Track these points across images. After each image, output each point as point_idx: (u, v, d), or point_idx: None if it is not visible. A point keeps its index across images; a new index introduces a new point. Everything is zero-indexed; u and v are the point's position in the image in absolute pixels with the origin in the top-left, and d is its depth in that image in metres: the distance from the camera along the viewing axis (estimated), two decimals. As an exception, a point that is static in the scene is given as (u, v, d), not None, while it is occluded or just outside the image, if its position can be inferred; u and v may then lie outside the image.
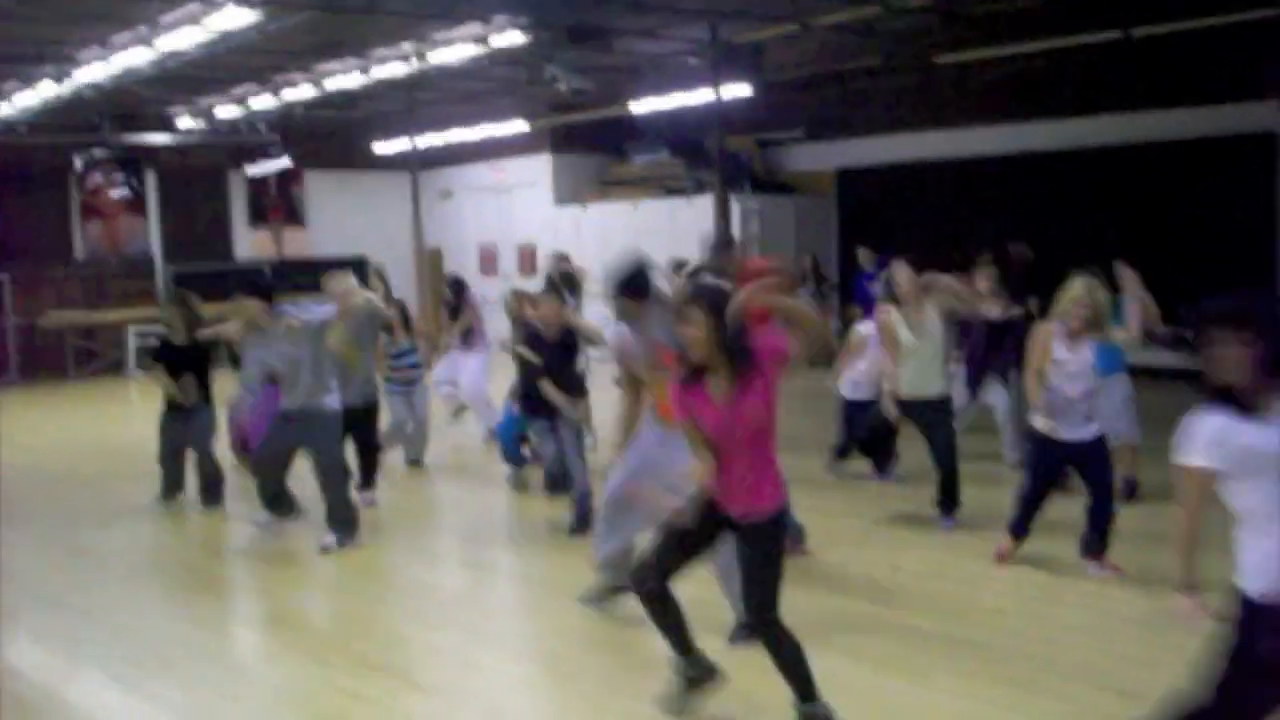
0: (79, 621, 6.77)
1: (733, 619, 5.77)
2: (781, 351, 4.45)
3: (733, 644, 5.78)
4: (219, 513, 9.35)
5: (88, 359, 20.39)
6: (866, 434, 8.90)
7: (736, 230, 16.88)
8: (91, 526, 9.12)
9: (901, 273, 8.00)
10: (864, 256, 14.96)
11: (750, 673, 5.11)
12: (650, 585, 4.76)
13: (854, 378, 9.49)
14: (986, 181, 16.55)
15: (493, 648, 6.24)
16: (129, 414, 16.63)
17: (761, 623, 4.58)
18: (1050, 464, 6.85)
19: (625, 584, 5.60)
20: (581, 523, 8.13)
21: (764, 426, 4.50)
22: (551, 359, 8.57)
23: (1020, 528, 7.05)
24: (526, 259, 21.32)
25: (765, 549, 4.57)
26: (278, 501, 8.25)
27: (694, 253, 13.28)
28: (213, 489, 9.43)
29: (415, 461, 10.89)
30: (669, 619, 4.83)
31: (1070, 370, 6.64)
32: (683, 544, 4.74)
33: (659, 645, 6.02)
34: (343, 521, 8.01)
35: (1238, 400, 3.41)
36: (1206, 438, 3.46)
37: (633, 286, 5.99)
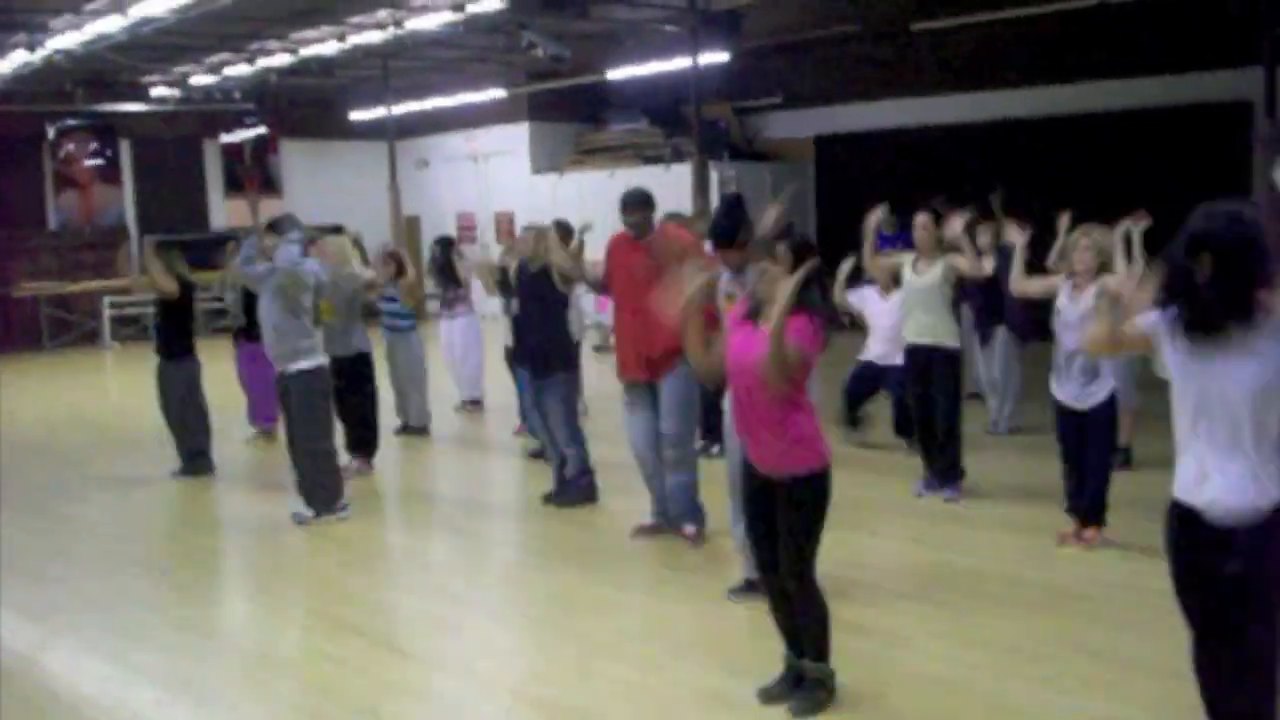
0: (59, 591, 6.75)
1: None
2: (807, 339, 4.41)
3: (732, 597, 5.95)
4: (201, 482, 9.31)
5: (62, 330, 20.26)
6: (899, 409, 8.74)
7: (714, 198, 16.84)
8: (70, 496, 9.10)
9: (920, 222, 7.97)
10: (885, 220, 14.72)
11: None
12: (774, 585, 4.74)
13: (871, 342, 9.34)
14: (963, 149, 16.54)
15: (476, 613, 6.26)
16: (105, 384, 16.58)
17: (796, 579, 4.58)
18: (1065, 430, 6.69)
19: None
20: (560, 493, 8.09)
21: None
22: (529, 294, 8.13)
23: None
24: (504, 227, 21.25)
25: (800, 509, 4.53)
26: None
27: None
28: (195, 453, 9.39)
29: (413, 428, 10.73)
30: (788, 617, 4.76)
31: (1067, 319, 6.53)
32: (765, 527, 4.67)
33: (642, 610, 6.08)
34: (308, 491, 7.87)
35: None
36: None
37: (738, 234, 5.88)
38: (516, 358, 8.63)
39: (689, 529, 7.04)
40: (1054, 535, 6.84)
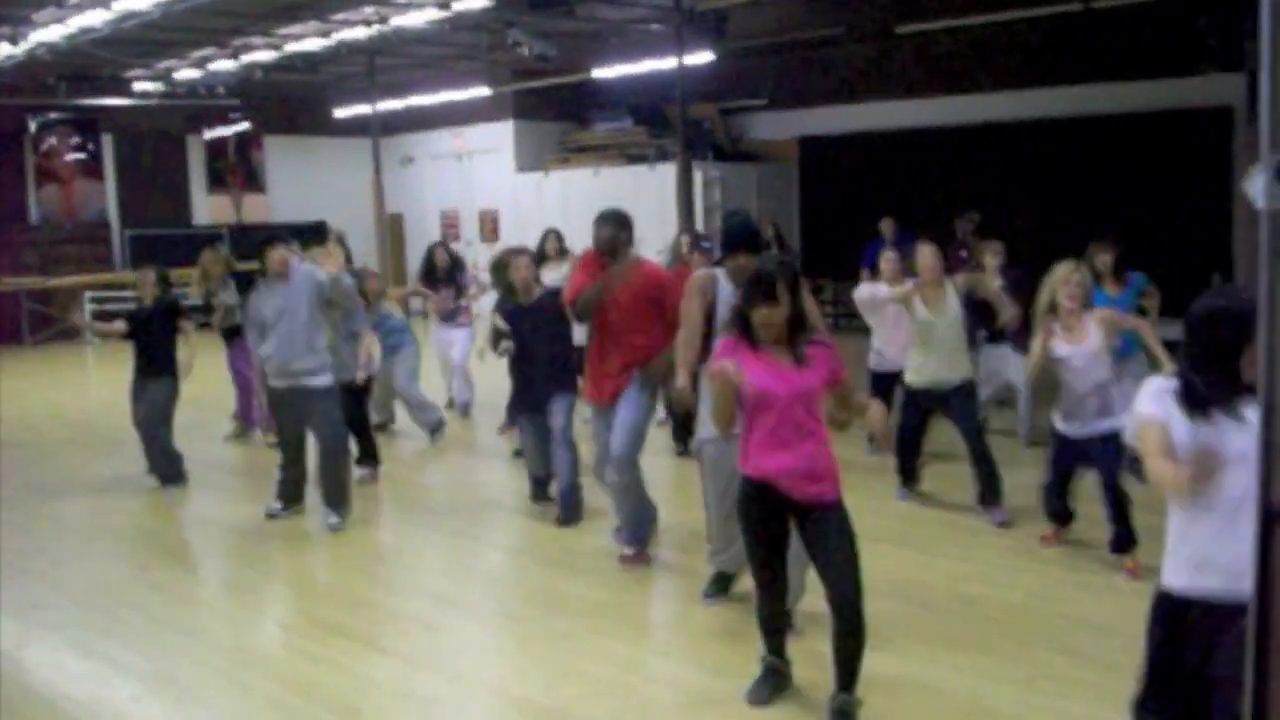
0: (37, 587, 6.72)
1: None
2: (835, 367, 4.53)
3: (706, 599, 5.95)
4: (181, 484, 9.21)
5: (43, 325, 20.16)
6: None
7: (698, 198, 16.83)
8: (50, 493, 9.04)
9: (925, 252, 7.56)
10: (887, 226, 14.64)
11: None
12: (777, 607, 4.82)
13: (876, 346, 8.95)
14: (947, 151, 16.61)
15: (457, 612, 6.25)
16: (85, 381, 16.49)
17: (852, 601, 4.52)
18: (1062, 459, 6.53)
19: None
20: (568, 515, 7.71)
21: (814, 406, 4.51)
22: (530, 328, 7.69)
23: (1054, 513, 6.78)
24: (488, 225, 21.25)
25: (844, 530, 4.61)
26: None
27: (652, 221, 13.23)
28: (167, 471, 9.12)
29: (380, 425, 10.66)
30: (779, 620, 4.85)
31: (1076, 365, 6.26)
32: (772, 548, 4.72)
33: (623, 610, 6.08)
34: (338, 499, 7.81)
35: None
36: None
37: (751, 242, 5.68)
38: (524, 404, 7.99)
39: (628, 552, 6.84)
40: (1034, 538, 6.87)
